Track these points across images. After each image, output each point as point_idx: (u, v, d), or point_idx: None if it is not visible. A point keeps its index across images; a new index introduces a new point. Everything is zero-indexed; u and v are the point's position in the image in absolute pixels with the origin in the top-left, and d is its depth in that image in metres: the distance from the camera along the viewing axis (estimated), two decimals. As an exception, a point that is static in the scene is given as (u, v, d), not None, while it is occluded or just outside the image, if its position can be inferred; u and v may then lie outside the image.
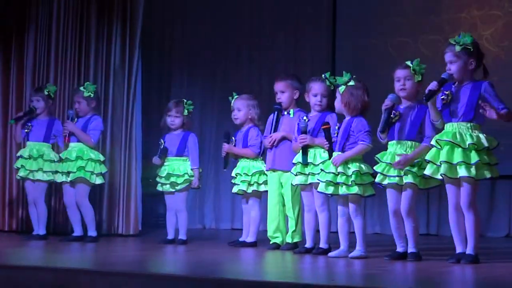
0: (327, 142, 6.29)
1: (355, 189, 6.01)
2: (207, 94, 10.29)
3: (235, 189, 7.28)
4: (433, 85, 5.52)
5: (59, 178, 7.78)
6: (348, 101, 6.06)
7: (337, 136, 6.12)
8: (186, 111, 7.60)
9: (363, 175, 6.04)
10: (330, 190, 6.08)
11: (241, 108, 7.29)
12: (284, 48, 9.94)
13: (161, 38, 10.37)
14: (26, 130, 8.03)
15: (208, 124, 10.29)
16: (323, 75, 6.53)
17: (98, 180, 7.77)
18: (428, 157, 5.62)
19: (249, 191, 7.17)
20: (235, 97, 7.38)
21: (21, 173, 7.94)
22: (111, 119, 8.55)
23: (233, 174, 7.36)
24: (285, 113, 7.02)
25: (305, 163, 6.38)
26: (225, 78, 10.08)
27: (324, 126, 6.31)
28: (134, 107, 8.55)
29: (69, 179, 7.67)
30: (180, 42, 10.36)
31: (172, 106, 7.60)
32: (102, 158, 7.85)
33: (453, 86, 5.64)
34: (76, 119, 7.72)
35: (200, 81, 10.33)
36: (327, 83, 6.50)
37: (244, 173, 7.22)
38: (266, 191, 7.15)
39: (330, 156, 6.18)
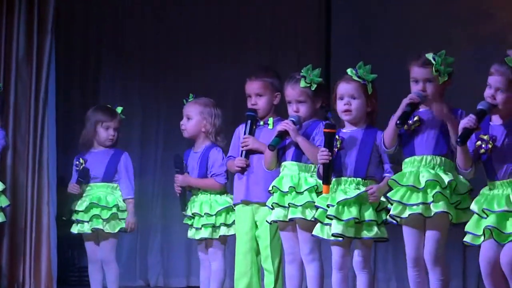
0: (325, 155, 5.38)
1: (373, 231, 5.31)
2: (152, 97, 9.39)
3: (195, 235, 6.61)
4: (470, 120, 4.76)
5: None
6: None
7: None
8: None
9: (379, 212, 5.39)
10: (351, 231, 5.39)
11: (192, 115, 6.64)
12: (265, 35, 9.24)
13: (84, 22, 9.50)
14: None
15: (153, 139, 9.40)
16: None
17: None
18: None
19: (216, 236, 6.57)
20: (190, 100, 6.74)
21: None
22: (13, 131, 7.72)
23: (188, 212, 6.65)
24: (261, 123, 6.29)
25: (273, 145, 5.77)
26: (178, 76, 9.14)
27: (327, 130, 5.42)
28: (46, 114, 7.80)
29: None
30: (114, 26, 9.46)
31: (110, 113, 6.99)
32: (1, 186, 6.96)
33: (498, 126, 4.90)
34: None
35: (140, 80, 9.36)
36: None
37: (205, 213, 6.49)
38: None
39: (326, 181, 5.35)
